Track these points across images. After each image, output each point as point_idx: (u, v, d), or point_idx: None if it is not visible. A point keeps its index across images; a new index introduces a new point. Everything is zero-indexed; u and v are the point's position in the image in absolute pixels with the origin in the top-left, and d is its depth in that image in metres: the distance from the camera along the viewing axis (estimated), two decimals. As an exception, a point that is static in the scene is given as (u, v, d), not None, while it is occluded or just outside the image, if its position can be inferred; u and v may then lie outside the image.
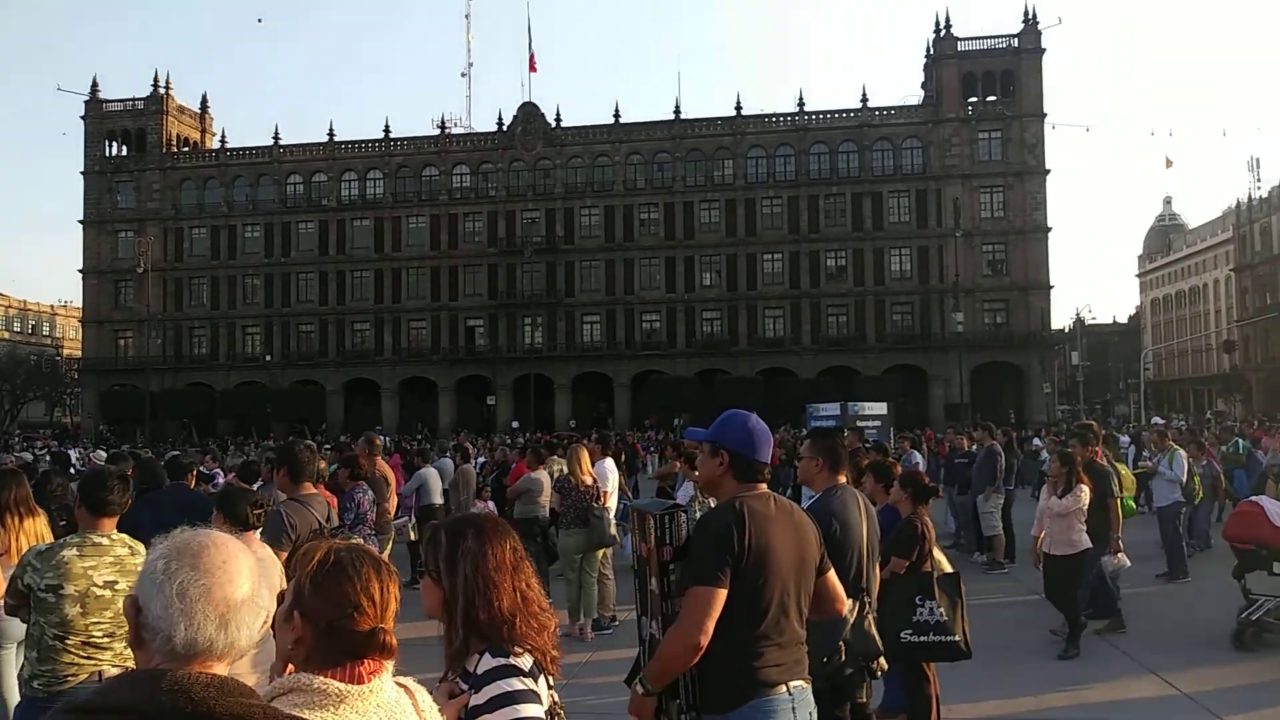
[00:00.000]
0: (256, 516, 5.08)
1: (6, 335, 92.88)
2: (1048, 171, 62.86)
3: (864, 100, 65.33)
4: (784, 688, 3.35)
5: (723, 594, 3.23)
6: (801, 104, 65.97)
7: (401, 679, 2.06)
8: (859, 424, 22.41)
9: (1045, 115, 63.11)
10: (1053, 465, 9.65)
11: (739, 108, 66.30)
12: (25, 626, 4.68)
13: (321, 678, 1.87)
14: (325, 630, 1.93)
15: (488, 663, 2.34)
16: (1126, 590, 11.07)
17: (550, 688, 2.44)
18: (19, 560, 4.79)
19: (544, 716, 2.36)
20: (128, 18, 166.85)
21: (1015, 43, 64.02)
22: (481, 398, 65.63)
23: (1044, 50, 63.73)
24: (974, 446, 15.71)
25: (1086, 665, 8.57)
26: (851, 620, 4.57)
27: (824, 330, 64.12)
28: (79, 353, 77.43)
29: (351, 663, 1.92)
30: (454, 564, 2.42)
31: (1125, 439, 25.64)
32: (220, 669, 1.62)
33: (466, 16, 76.53)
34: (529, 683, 2.34)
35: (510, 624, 2.37)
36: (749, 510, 3.34)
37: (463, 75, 73.48)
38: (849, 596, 4.57)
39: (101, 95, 71.90)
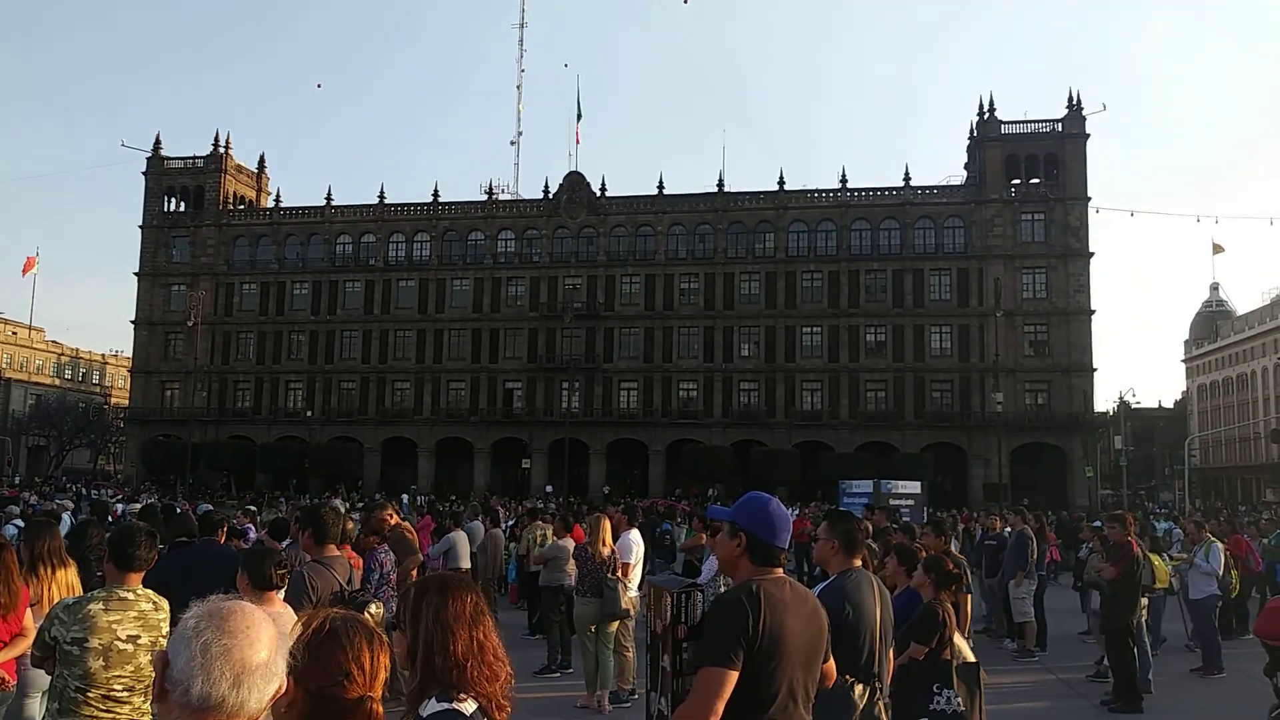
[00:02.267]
0: (280, 577, 5.16)
1: (57, 382, 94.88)
2: (1091, 254, 62.53)
3: (906, 179, 65.67)
4: (789, 772, 3.35)
5: (734, 676, 3.25)
6: (844, 180, 66.45)
7: None
8: (892, 502, 22.17)
9: (1089, 198, 63.01)
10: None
11: (782, 182, 66.96)
12: (49, 678, 4.79)
13: None
14: (315, 696, 2.03)
15: (432, 706, 2.45)
16: (1159, 681, 10.81)
17: None
18: (47, 614, 4.92)
19: None
20: (194, 77, 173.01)
21: (1059, 126, 64.23)
22: (517, 460, 65.74)
23: (1088, 135, 63.89)
24: (1006, 529, 15.47)
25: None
26: (861, 706, 4.55)
27: (862, 405, 63.69)
28: (126, 401, 78.78)
29: None
30: (418, 614, 2.57)
31: (1164, 524, 25.09)
32: None
33: (518, 87, 77.88)
34: None
35: (461, 669, 2.50)
36: (765, 594, 3.37)
37: (512, 143, 75.35)
38: (860, 681, 4.56)
39: (164, 152, 74.26)
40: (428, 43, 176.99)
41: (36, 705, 6.16)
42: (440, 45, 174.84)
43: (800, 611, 3.47)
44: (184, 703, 1.70)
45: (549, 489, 56.91)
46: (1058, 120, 64.47)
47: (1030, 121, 65.24)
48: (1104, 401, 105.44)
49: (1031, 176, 64.59)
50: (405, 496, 44.47)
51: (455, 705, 2.48)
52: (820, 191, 66.96)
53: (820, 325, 64.68)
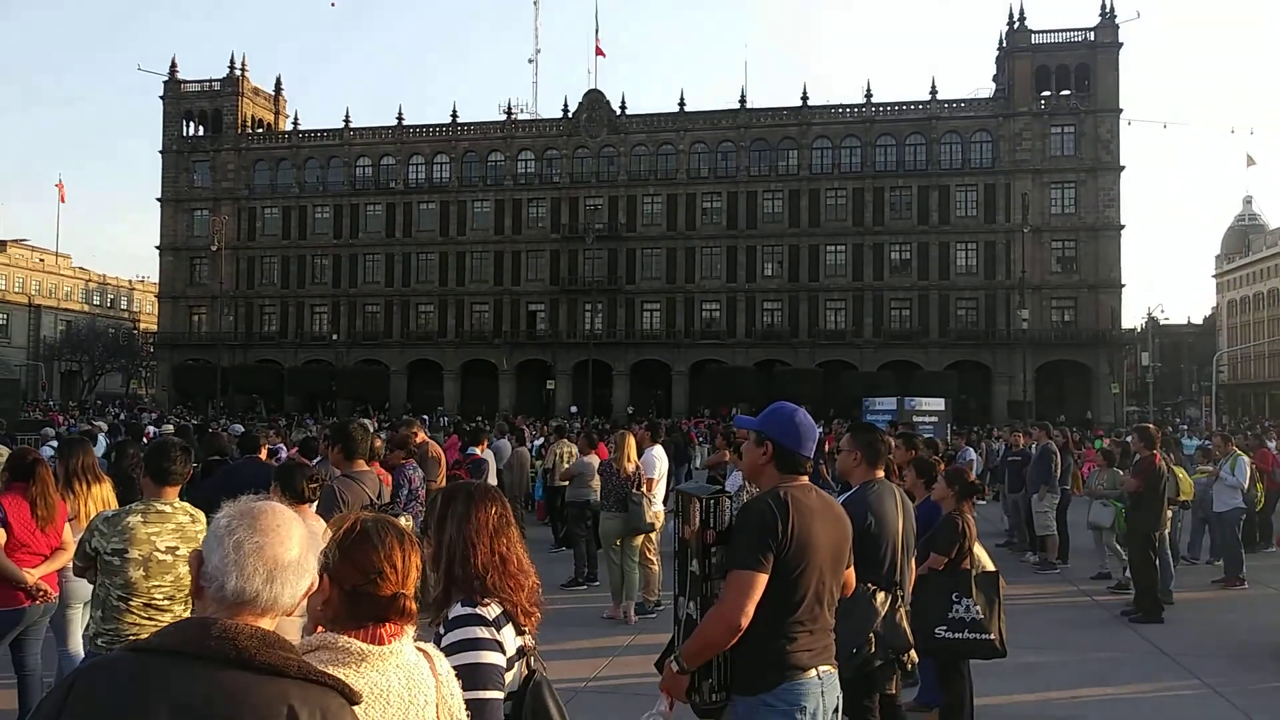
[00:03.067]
0: (312, 490, 5.28)
1: (86, 308, 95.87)
2: (1122, 168, 61.33)
3: (933, 92, 64.29)
4: (813, 672, 3.46)
5: (764, 579, 3.33)
6: (869, 95, 65.15)
7: (422, 644, 2.23)
8: (915, 420, 22.17)
9: (1121, 111, 61.53)
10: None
11: (805, 98, 65.70)
12: (91, 587, 4.95)
13: (346, 637, 2.05)
14: (350, 594, 2.10)
15: (457, 610, 2.61)
16: (1180, 595, 10.90)
17: (520, 635, 2.69)
18: (87, 525, 5.06)
19: (501, 663, 2.59)
20: (206, 1, 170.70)
21: (1091, 36, 62.44)
22: (541, 381, 66.20)
23: (1120, 45, 62.08)
24: (1031, 445, 15.50)
25: (1126, 666, 8.49)
26: (883, 613, 4.62)
27: (886, 324, 63.42)
28: (155, 327, 79.67)
29: (374, 625, 2.09)
30: (443, 524, 2.72)
31: (1193, 441, 25.01)
32: (266, 623, 1.77)
33: (535, 3, 76.40)
34: (492, 631, 2.59)
35: (483, 579, 2.64)
36: (793, 500, 3.43)
37: (530, 61, 73.79)
38: (882, 589, 4.64)
39: (180, 76, 73.69)
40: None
41: (79, 615, 6.38)
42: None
43: (826, 517, 3.54)
44: (219, 598, 1.74)
45: (574, 410, 57.38)
46: (1090, 29, 62.66)
47: (1062, 30, 63.49)
48: (1132, 318, 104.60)
49: (1062, 88, 63.06)
50: (426, 417, 45.04)
51: (478, 609, 2.60)
52: (844, 107, 65.75)
53: (844, 243, 64.10)
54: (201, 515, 4.96)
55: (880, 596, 4.62)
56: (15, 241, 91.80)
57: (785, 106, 66.20)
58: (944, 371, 59.14)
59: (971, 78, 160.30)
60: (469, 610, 2.61)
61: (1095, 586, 12.22)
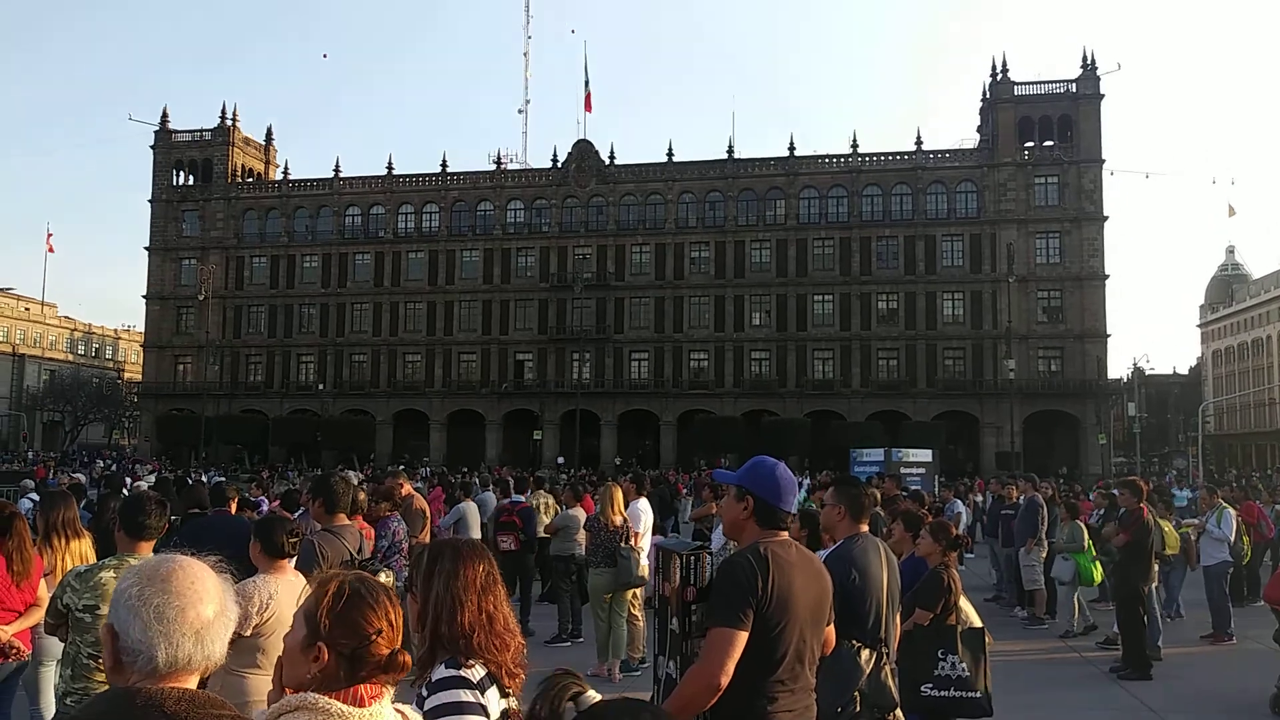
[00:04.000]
0: (292, 545, 5.21)
1: (71, 358, 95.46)
2: (1105, 218, 61.99)
3: (919, 143, 65.13)
4: (795, 733, 3.38)
5: (744, 636, 3.28)
6: (855, 145, 65.95)
7: (399, 705, 2.19)
8: (902, 471, 22.12)
9: (1103, 161, 62.38)
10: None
11: (792, 148, 66.47)
12: (63, 646, 4.85)
13: (325, 698, 2.00)
14: (350, 657, 2.07)
15: (440, 672, 2.55)
16: (1168, 650, 10.82)
17: (505, 697, 2.63)
18: (60, 581, 4.98)
19: None
20: (198, 51, 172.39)
21: (1074, 88, 63.48)
22: (529, 431, 65.90)
23: (1102, 95, 63.14)
24: (1020, 497, 15.46)
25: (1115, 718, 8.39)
26: (868, 671, 4.56)
27: (874, 374, 63.55)
28: (140, 376, 79.35)
29: (357, 687, 2.06)
30: (429, 581, 2.65)
31: (1184, 493, 24.98)
32: (192, 682, 1.74)
33: (525, 55, 77.23)
34: (476, 695, 2.53)
35: (469, 639, 2.58)
36: (773, 555, 3.40)
37: (520, 112, 74.56)
38: (867, 646, 4.58)
39: (171, 126, 74.13)
40: (433, 12, 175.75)
41: (51, 673, 6.26)
42: (446, 14, 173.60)
43: (807, 573, 3.51)
44: (149, 669, 1.71)
45: (560, 460, 57.11)
46: (1072, 81, 63.74)
47: (1044, 82, 64.53)
48: (1118, 368, 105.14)
49: (1045, 139, 63.98)
50: (413, 467, 44.72)
51: (463, 671, 2.54)
52: (831, 157, 66.49)
53: (832, 293, 64.44)
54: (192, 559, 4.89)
55: (865, 654, 4.55)
56: (1, 290, 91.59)
57: (773, 157, 66.92)
58: (932, 422, 59.15)
59: (957, 128, 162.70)
60: (453, 672, 2.55)
61: (1084, 642, 12.13)
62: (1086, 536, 12.70)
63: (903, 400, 61.99)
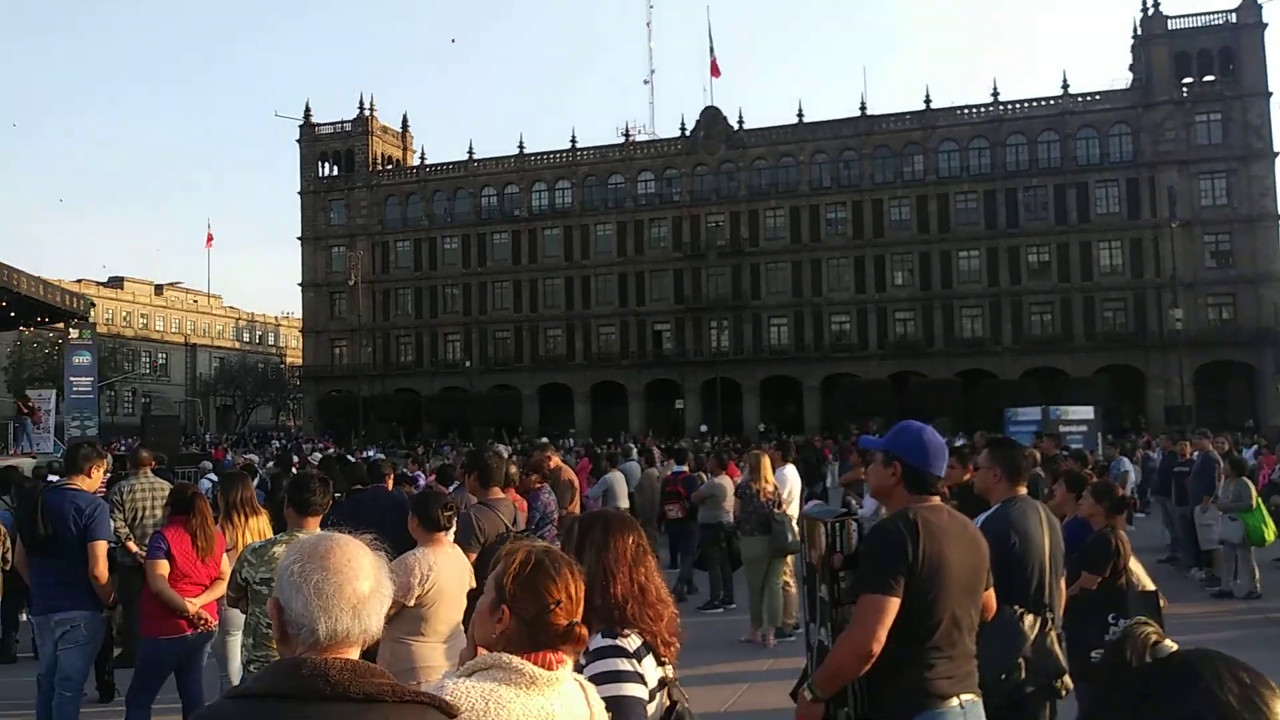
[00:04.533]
0: (447, 519, 5.40)
1: (237, 345, 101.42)
2: (1276, 154, 57.66)
3: (1065, 87, 61.94)
4: (955, 700, 3.33)
5: (895, 602, 3.24)
6: (996, 94, 63.27)
7: (576, 675, 2.28)
8: (1061, 429, 21.17)
9: (1270, 94, 57.93)
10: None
11: (928, 101, 64.33)
12: (244, 615, 5.18)
13: (519, 658, 2.10)
14: (529, 623, 2.17)
15: (597, 642, 2.60)
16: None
17: (661, 665, 2.69)
18: (238, 556, 5.32)
19: (644, 695, 2.59)
20: (334, 44, 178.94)
21: (1234, 18, 59.07)
22: (670, 401, 66.34)
23: (1266, 25, 58.53)
24: (1193, 453, 14.62)
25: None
26: (1032, 636, 4.43)
27: (1026, 329, 61.17)
28: (300, 361, 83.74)
29: (545, 652, 2.15)
30: (581, 553, 2.70)
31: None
32: (353, 653, 1.83)
33: (648, 25, 77.49)
34: (633, 663, 2.59)
35: (622, 609, 2.64)
36: (923, 520, 3.34)
37: (645, 83, 74.52)
38: (1030, 612, 4.44)
39: (313, 119, 77.35)
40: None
41: (237, 641, 6.70)
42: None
43: (960, 539, 3.42)
44: (311, 641, 1.79)
45: (704, 429, 57.28)
46: (1231, 11, 59.28)
47: (1200, 14, 60.25)
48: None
49: (1204, 74, 59.82)
50: (558, 440, 45.68)
51: (619, 641, 2.61)
52: (971, 107, 64.00)
53: (978, 248, 62.25)
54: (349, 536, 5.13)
55: (1028, 619, 4.42)
56: (171, 285, 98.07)
57: (908, 111, 64.92)
58: (1092, 377, 56.41)
59: (1106, 70, 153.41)
60: (609, 641, 2.61)
61: (1269, 604, 11.40)
62: (1255, 494, 11.95)
63: (1059, 356, 59.46)
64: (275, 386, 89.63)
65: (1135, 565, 6.08)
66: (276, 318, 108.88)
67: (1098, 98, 61.91)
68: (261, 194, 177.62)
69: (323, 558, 1.83)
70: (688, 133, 68.59)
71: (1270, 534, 11.88)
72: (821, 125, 66.05)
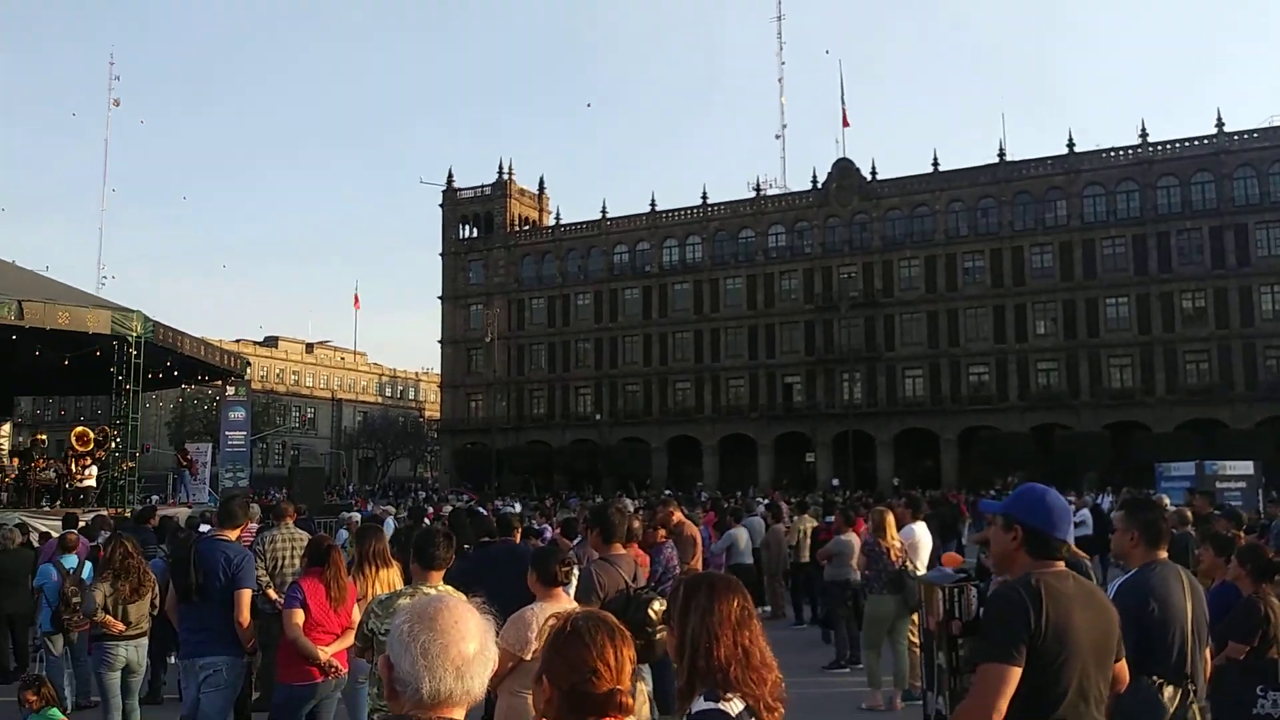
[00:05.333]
0: (565, 574, 5.47)
1: (379, 400, 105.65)
2: None
3: (1219, 125, 59.20)
4: (1080, 773, 3.20)
5: (1017, 672, 3.14)
6: (1144, 135, 60.92)
7: None
8: (1218, 485, 19.89)
9: None
10: None
11: (1071, 144, 62.43)
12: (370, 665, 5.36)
13: None
14: (568, 694, 2.19)
15: (700, 704, 2.60)
16: None
17: None
18: (365, 608, 5.52)
19: None
20: (476, 110, 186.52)
21: None
22: (801, 454, 65.47)
23: None
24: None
25: None
26: (1172, 710, 4.21)
27: (1181, 379, 58.02)
28: (438, 414, 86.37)
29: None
30: (686, 616, 2.72)
31: None
32: (458, 713, 1.90)
33: (780, 80, 78.12)
34: None
35: (726, 672, 2.62)
36: (1046, 587, 3.24)
37: (777, 137, 74.96)
38: (1171, 683, 4.23)
39: (455, 184, 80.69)
40: (684, 49, 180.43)
41: (368, 690, 6.92)
42: (697, 49, 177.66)
43: (1087, 606, 3.31)
44: (416, 700, 1.86)
45: (835, 482, 56.23)
46: (1407, 37, 55.72)
47: (1370, 43, 56.82)
48: None
49: (1376, 104, 56.21)
50: (678, 492, 45.49)
51: (721, 705, 2.59)
52: (1117, 150, 61.81)
53: (1126, 294, 59.65)
54: (462, 597, 5.28)
55: (1169, 691, 4.21)
56: (321, 343, 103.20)
57: (1050, 156, 63.17)
58: (1253, 429, 53.03)
59: (1263, 106, 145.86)
60: (712, 705, 2.60)
61: None
62: None
63: (1217, 407, 56.13)
64: (414, 439, 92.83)
65: (1289, 635, 5.67)
66: (417, 373, 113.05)
67: (1256, 135, 58.91)
68: (406, 257, 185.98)
69: (431, 619, 1.90)
70: (819, 185, 68.46)
71: None
72: (958, 173, 64.95)
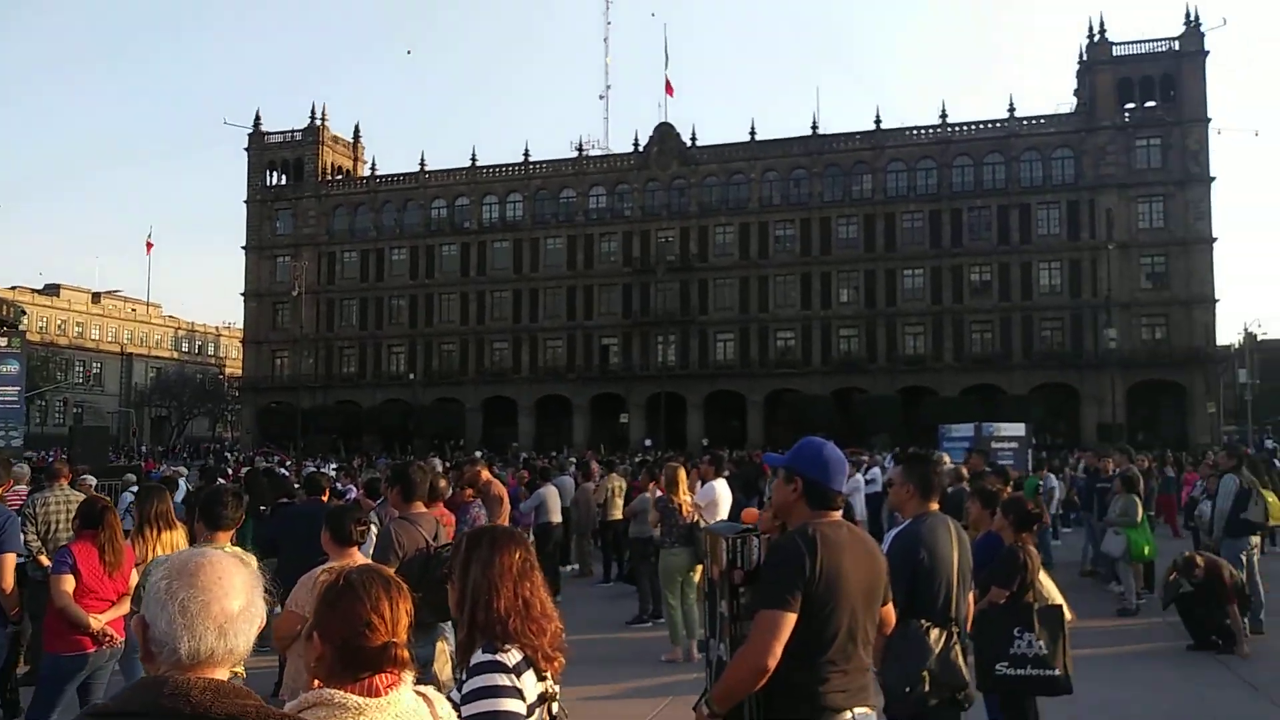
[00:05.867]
0: (360, 533, 5.33)
1: (175, 355, 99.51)
2: (1213, 179, 59.22)
3: (1011, 110, 63.26)
4: (848, 714, 3.38)
5: (792, 618, 3.26)
6: (944, 116, 64.42)
7: (421, 688, 2.23)
8: (993, 446, 21.52)
9: (1209, 120, 59.56)
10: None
11: (878, 121, 65.28)
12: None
13: (341, 692, 2.04)
14: (341, 648, 2.11)
15: (478, 657, 2.63)
16: (1269, 627, 10.37)
17: (542, 680, 2.69)
18: (143, 570, 5.20)
19: (522, 710, 2.60)
20: (288, 54, 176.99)
21: (1176, 45, 60.64)
22: (615, 415, 66.35)
23: (1207, 53, 60.18)
24: (1115, 470, 14.93)
25: (1210, 701, 8.05)
26: (937, 650, 4.48)
27: (967, 347, 62.19)
28: (239, 371, 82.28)
29: (369, 677, 2.09)
30: (467, 568, 2.73)
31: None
32: (221, 673, 1.78)
33: (605, 40, 77.53)
34: (512, 678, 2.60)
35: (505, 624, 2.64)
36: (821, 536, 3.37)
37: (600, 98, 74.51)
38: (937, 625, 4.50)
39: (263, 128, 76.49)
40: (512, 2, 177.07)
41: (146, 659, 6.55)
42: (523, 3, 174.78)
43: (857, 553, 3.47)
44: (174, 661, 1.75)
45: (648, 443, 57.34)
46: (1174, 39, 60.87)
47: (1144, 41, 61.78)
48: (1228, 334, 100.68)
49: (1147, 100, 61.36)
50: (480, 454, 45.26)
51: (499, 656, 2.61)
52: (919, 129, 65.10)
53: (922, 267, 63.20)
54: (252, 559, 5.05)
55: (934, 633, 4.47)
56: (109, 293, 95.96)
57: (858, 131, 65.77)
58: (1028, 395, 57.59)
59: (1051, 93, 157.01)
60: (489, 657, 2.62)
61: (1173, 616, 11.67)
62: (1141, 511, 12.32)
63: (998, 374, 60.52)
64: (213, 398, 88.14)
65: (1045, 580, 6.20)
66: (217, 328, 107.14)
67: (1042, 121, 63.29)
68: (206, 202, 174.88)
69: (191, 574, 1.78)
70: (641, 148, 68.90)
71: (1151, 550, 12.28)
72: (773, 143, 66.73)
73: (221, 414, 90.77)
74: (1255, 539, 10.73)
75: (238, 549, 5.11)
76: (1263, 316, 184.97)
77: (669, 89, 70.20)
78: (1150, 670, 9.14)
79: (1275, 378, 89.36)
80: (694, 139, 68.18)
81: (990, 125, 63.77)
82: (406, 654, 2.16)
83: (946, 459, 13.43)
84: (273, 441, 65.50)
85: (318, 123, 75.85)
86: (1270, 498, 10.78)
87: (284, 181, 76.19)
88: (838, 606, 3.32)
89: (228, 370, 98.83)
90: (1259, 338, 74.52)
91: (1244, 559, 10.32)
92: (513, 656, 2.62)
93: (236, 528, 5.39)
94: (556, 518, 13.48)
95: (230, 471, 21.03)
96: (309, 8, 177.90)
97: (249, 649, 1.81)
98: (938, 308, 62.51)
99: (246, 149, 76.26)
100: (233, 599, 1.79)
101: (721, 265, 66.22)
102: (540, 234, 70.06)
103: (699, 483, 11.36)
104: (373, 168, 76.34)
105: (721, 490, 10.75)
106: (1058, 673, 5.55)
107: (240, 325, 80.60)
